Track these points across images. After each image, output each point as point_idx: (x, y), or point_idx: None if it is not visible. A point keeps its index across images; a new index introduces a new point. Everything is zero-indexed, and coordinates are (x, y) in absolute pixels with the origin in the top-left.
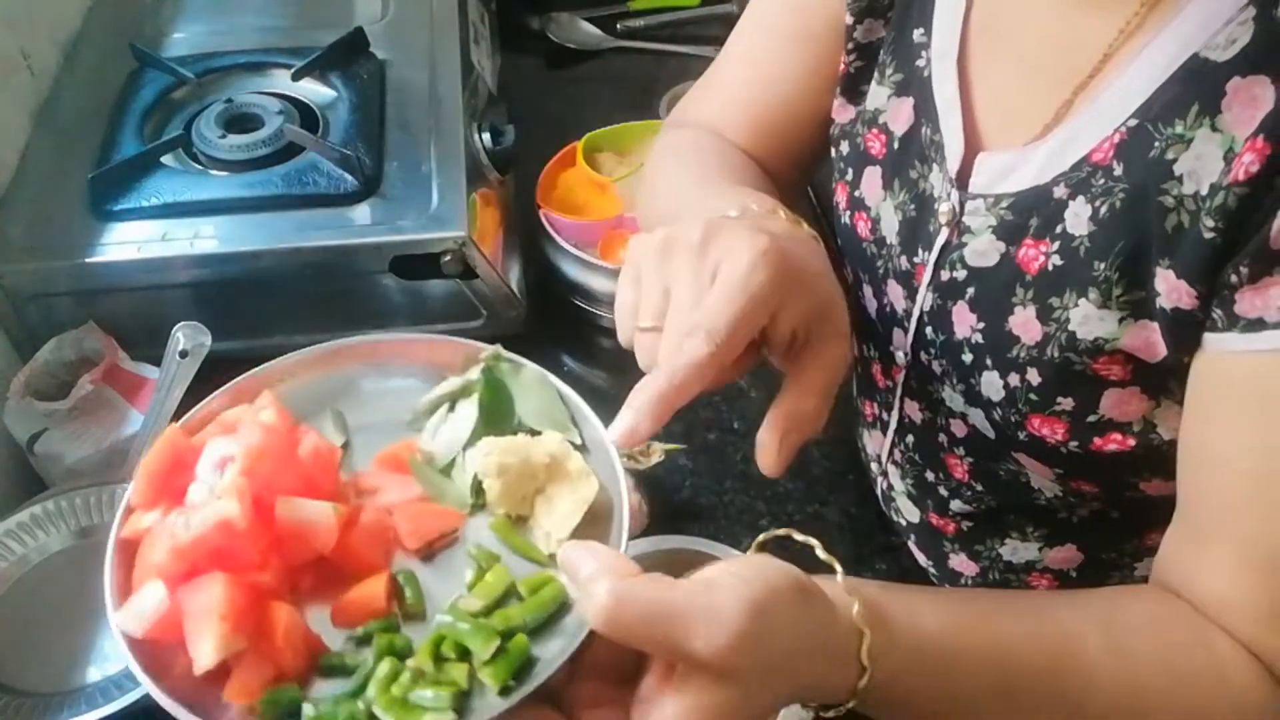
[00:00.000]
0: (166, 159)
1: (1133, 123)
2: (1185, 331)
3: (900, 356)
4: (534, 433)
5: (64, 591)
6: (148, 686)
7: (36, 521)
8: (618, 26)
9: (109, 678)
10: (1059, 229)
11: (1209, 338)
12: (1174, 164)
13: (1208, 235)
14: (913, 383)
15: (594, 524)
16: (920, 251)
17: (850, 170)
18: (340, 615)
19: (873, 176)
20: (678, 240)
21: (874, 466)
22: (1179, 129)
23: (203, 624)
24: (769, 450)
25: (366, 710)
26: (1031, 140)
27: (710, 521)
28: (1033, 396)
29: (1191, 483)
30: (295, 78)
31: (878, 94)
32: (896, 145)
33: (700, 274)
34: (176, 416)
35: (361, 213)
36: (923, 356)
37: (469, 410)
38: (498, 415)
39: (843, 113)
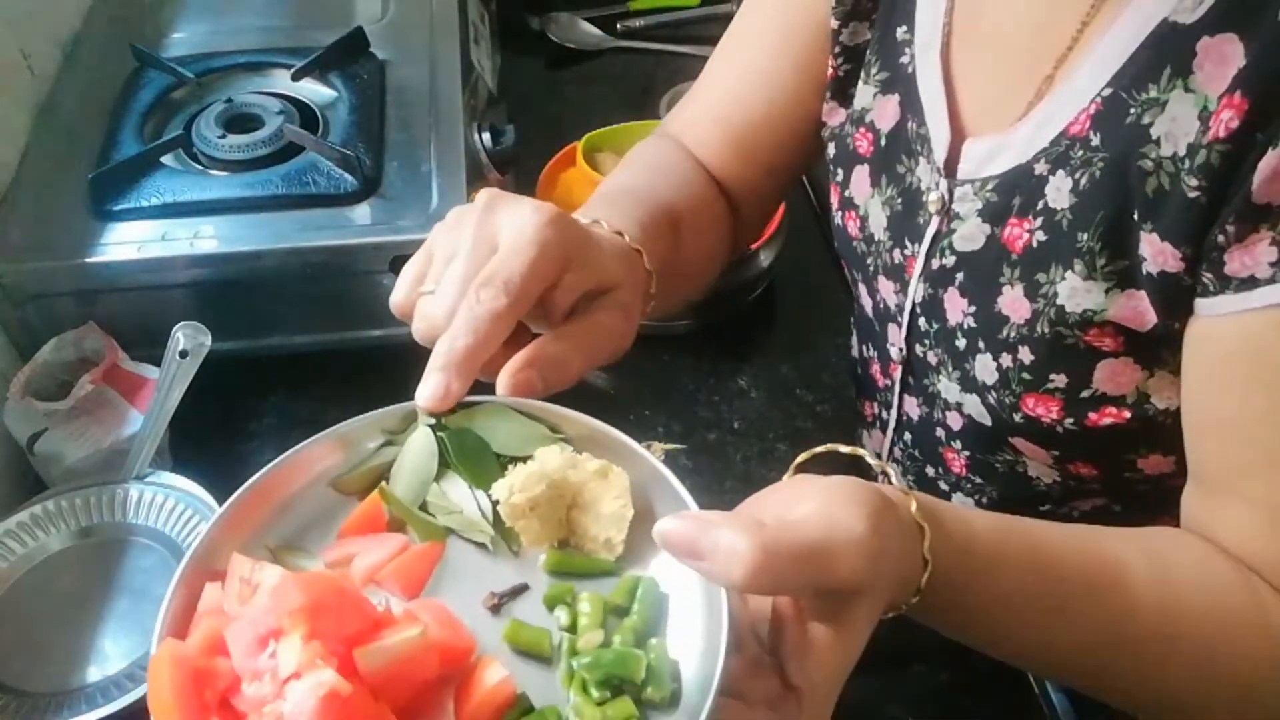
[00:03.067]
0: (166, 159)
1: (1107, 92)
2: (1173, 296)
3: (895, 352)
4: (526, 459)
5: (64, 591)
6: None
7: (36, 521)
8: (618, 26)
9: (109, 678)
10: (1040, 205)
11: (1201, 303)
12: (1150, 128)
13: (1191, 195)
14: (909, 378)
15: (640, 507)
16: (910, 244)
17: (840, 171)
18: None
19: (861, 175)
20: (465, 210)
21: (871, 462)
22: (1152, 93)
23: None
24: (505, 374)
25: None
26: (1016, 120)
27: None
28: (1025, 375)
29: (1199, 448)
30: (295, 78)
31: (864, 94)
32: (884, 142)
33: (485, 235)
34: (177, 417)
35: (361, 213)
36: (917, 349)
37: (422, 442)
38: (479, 464)
39: (833, 116)
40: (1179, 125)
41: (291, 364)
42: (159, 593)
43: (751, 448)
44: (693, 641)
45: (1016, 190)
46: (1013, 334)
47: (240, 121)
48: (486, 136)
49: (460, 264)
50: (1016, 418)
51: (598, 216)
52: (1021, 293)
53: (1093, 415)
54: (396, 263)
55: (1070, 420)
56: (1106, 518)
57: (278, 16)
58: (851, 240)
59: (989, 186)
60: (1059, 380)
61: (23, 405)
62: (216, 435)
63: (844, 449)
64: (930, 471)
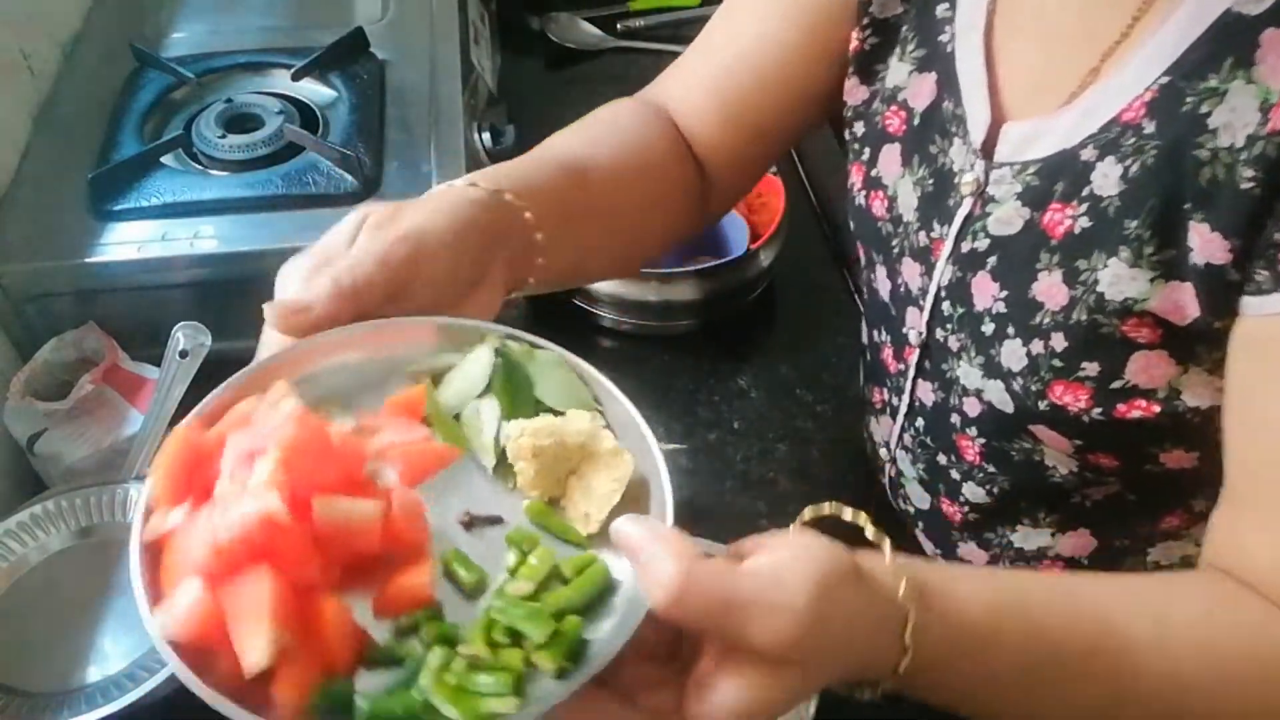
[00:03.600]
0: (166, 159)
1: (1164, 80)
2: (1218, 290)
3: (914, 336)
4: (557, 413)
5: (64, 591)
6: (197, 689)
7: (36, 521)
8: (618, 26)
9: (109, 678)
10: (1086, 191)
11: (1252, 301)
12: (1208, 117)
13: (1245, 186)
14: (925, 363)
15: (630, 503)
16: (939, 226)
17: (867, 150)
18: (383, 605)
19: (891, 154)
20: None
21: (882, 453)
22: (1212, 82)
23: (251, 623)
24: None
25: (423, 700)
26: (1059, 106)
27: (710, 521)
28: (1056, 363)
29: (1243, 455)
30: (295, 78)
31: (898, 71)
32: (917, 121)
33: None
34: (177, 417)
35: None
36: (938, 334)
37: (483, 359)
38: (517, 397)
39: (856, 93)
40: (1238, 116)
41: None
42: None
43: (751, 448)
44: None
45: (1060, 175)
46: (1046, 320)
47: (240, 121)
48: (486, 136)
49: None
50: (1042, 405)
51: (479, 178)
52: (1060, 279)
53: (1121, 406)
54: None
55: (1098, 410)
56: (1118, 506)
57: (278, 16)
58: (876, 221)
59: (1029, 170)
60: (1091, 369)
61: (23, 405)
62: None
63: (847, 515)
64: (942, 459)
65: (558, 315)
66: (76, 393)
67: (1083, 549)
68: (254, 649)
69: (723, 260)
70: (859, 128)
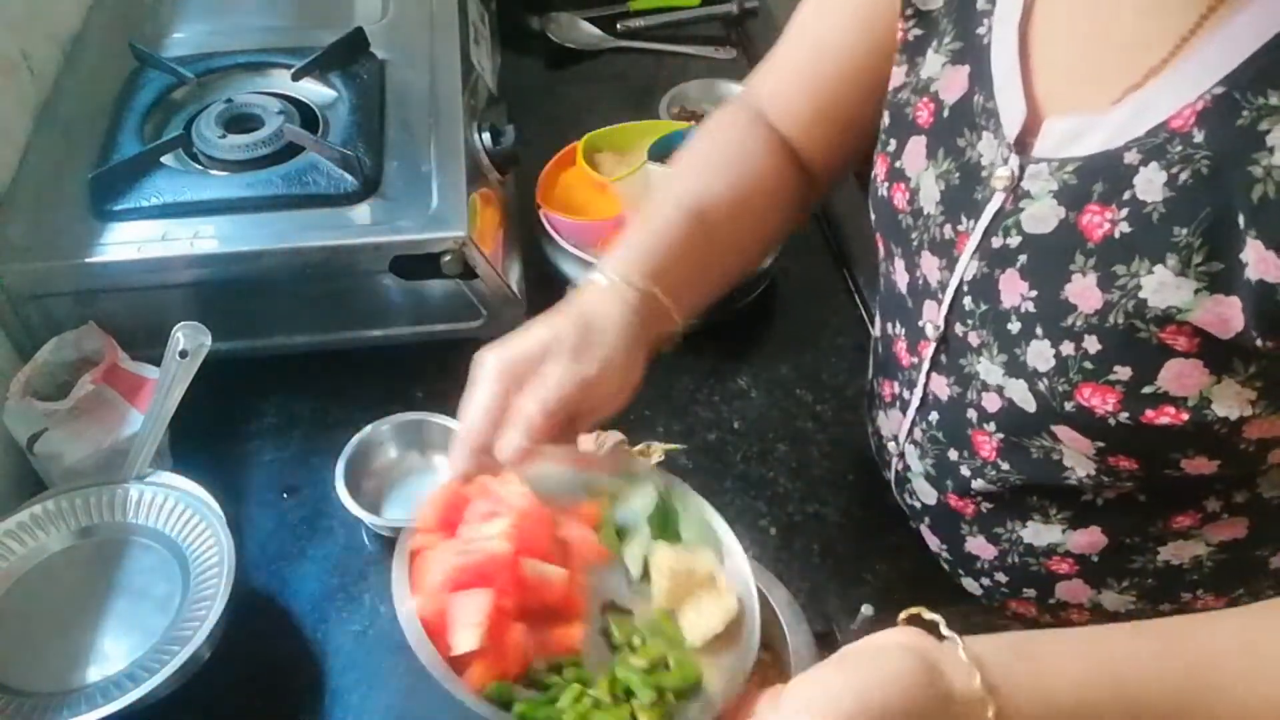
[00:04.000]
0: (166, 159)
1: (1218, 90)
2: (1269, 307)
3: (931, 330)
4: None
5: (64, 591)
6: (424, 655)
7: (36, 521)
8: (618, 26)
9: (109, 678)
10: (1127, 195)
11: None
12: (1266, 135)
13: None
14: (942, 357)
15: (730, 629)
16: (964, 220)
17: (893, 141)
18: (546, 644)
19: (916, 146)
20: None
21: (890, 447)
22: (1273, 100)
23: (467, 621)
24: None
25: (557, 718)
26: (1104, 106)
27: None
28: (1087, 365)
29: None
30: (295, 78)
31: (933, 62)
32: (946, 114)
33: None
34: (177, 417)
35: (361, 213)
36: (957, 328)
37: (647, 493)
38: (665, 529)
39: (896, 81)
40: None
41: (291, 364)
42: (159, 593)
43: (751, 448)
44: None
45: (1100, 176)
46: (1079, 322)
47: (240, 121)
48: (486, 136)
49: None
50: (1068, 406)
51: (620, 273)
52: (1094, 282)
53: (1150, 412)
54: (396, 263)
55: (1125, 414)
56: (1130, 505)
57: (278, 16)
58: (897, 214)
59: (1068, 168)
60: (1122, 373)
61: (23, 405)
62: (216, 435)
63: (926, 615)
64: (953, 455)
65: None
66: (76, 393)
67: (1093, 546)
68: (464, 639)
69: None
70: (887, 118)
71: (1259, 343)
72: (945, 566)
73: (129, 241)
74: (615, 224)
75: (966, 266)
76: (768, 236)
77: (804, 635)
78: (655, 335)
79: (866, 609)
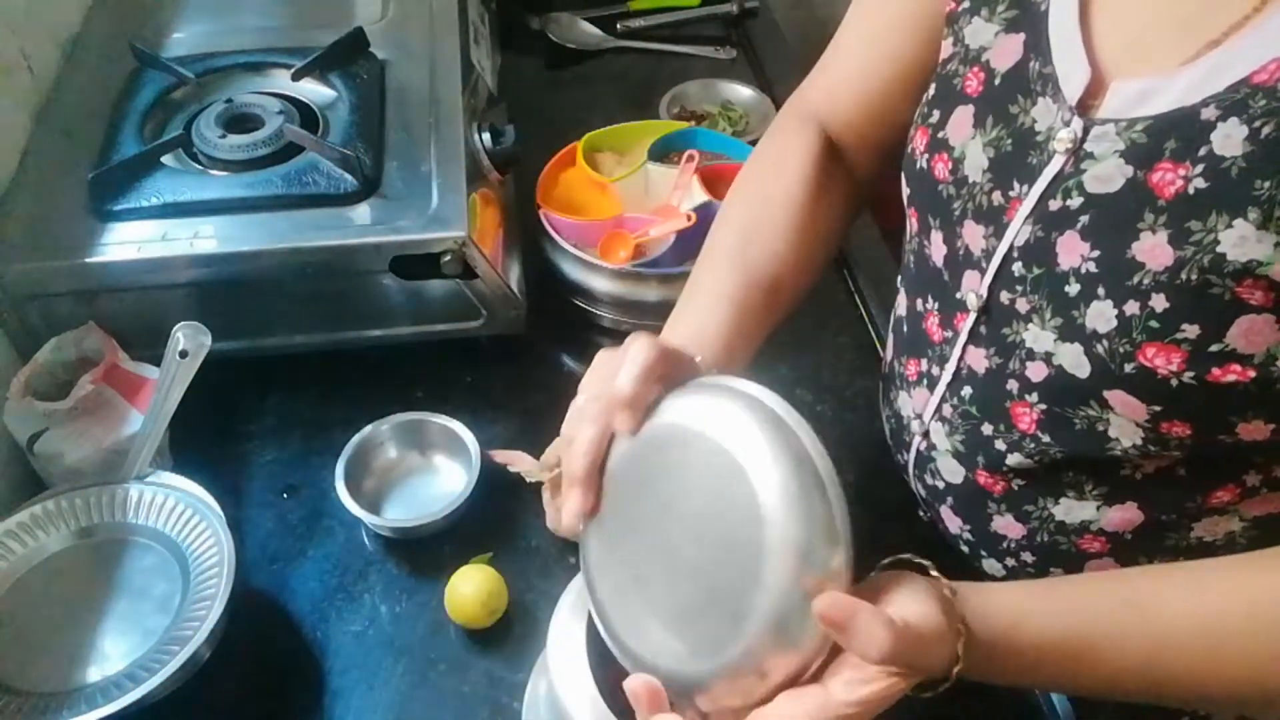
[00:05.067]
0: (166, 159)
1: None
2: None
3: (973, 300)
4: None
5: (64, 591)
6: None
7: (36, 521)
8: (618, 26)
9: (109, 678)
10: (1202, 151)
11: None
12: None
13: None
14: (982, 329)
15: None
16: (1017, 185)
17: (936, 112)
18: None
19: (963, 115)
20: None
21: (914, 426)
22: None
23: None
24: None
25: None
26: (1172, 67)
27: None
28: (1153, 324)
29: None
30: (295, 78)
31: (983, 31)
32: (998, 82)
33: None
34: (177, 417)
35: (361, 213)
36: (1003, 297)
37: None
38: None
39: (945, 54)
40: None
41: (291, 364)
42: (159, 592)
43: None
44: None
45: (1172, 134)
46: (1147, 280)
47: (240, 121)
48: (486, 136)
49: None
50: (1128, 368)
51: (683, 340)
52: (1165, 239)
53: (1216, 370)
54: (396, 263)
55: (1190, 374)
56: (1169, 479)
57: (278, 16)
58: (937, 184)
59: (1137, 127)
60: (1190, 331)
61: (23, 405)
62: (216, 435)
63: (916, 560)
64: (987, 429)
65: (558, 315)
66: (76, 393)
67: (1128, 524)
68: None
69: None
70: (933, 90)
71: None
72: (965, 549)
73: (129, 241)
74: (615, 224)
75: (1018, 232)
76: (825, 264)
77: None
78: None
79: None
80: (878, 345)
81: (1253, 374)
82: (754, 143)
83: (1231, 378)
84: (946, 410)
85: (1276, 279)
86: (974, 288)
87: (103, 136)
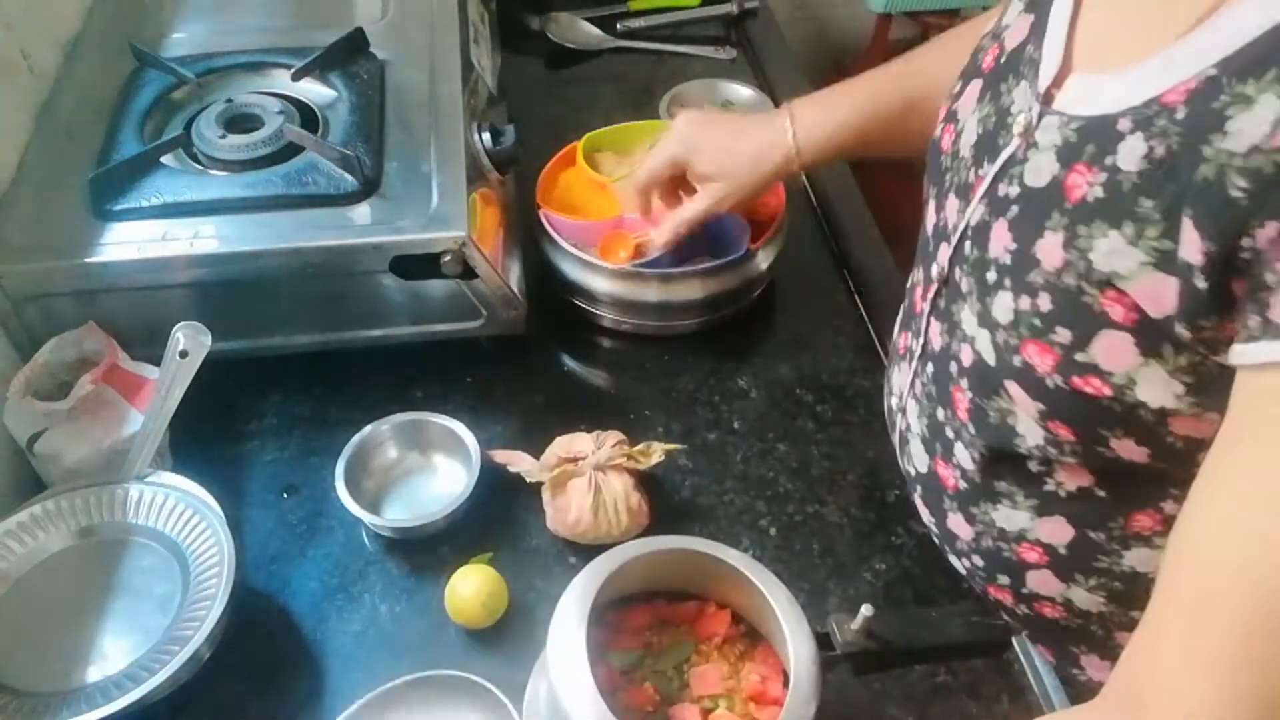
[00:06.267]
0: (166, 159)
1: (1212, 72)
2: (1188, 292)
3: (936, 272)
4: None
5: (64, 591)
6: None
7: (36, 521)
8: (618, 26)
9: (109, 678)
10: (1109, 160)
11: (1241, 350)
12: (1229, 120)
13: (1234, 194)
14: (940, 301)
15: None
16: (985, 164)
17: (959, 83)
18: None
19: (973, 89)
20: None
21: (893, 403)
22: (1249, 88)
23: None
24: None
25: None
26: (1123, 69)
27: (710, 521)
28: (1035, 321)
29: (1182, 555)
30: (295, 78)
31: (1013, 8)
32: (1004, 60)
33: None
34: (176, 417)
35: (361, 213)
36: (956, 274)
37: None
38: None
39: (985, 27)
40: (1252, 125)
41: (291, 364)
42: (159, 592)
43: (751, 448)
44: None
45: (1093, 138)
46: (1039, 279)
47: (240, 121)
48: (486, 136)
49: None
50: (1015, 361)
51: (796, 111)
52: (1060, 241)
53: (1077, 379)
54: (396, 263)
55: (1059, 377)
56: (1090, 499)
57: (278, 16)
58: (941, 155)
59: (1072, 125)
60: (1063, 335)
61: (23, 405)
62: (216, 435)
63: None
64: (940, 414)
65: (558, 315)
66: (76, 393)
67: (1060, 537)
68: None
69: (723, 260)
70: (967, 63)
71: (1180, 331)
72: (935, 542)
73: (129, 241)
74: (615, 224)
75: (974, 210)
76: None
77: (804, 635)
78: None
79: (866, 609)
80: (878, 345)
81: (1109, 391)
82: None
83: (1090, 390)
84: (918, 388)
85: (1135, 298)
86: (941, 260)
87: (103, 136)
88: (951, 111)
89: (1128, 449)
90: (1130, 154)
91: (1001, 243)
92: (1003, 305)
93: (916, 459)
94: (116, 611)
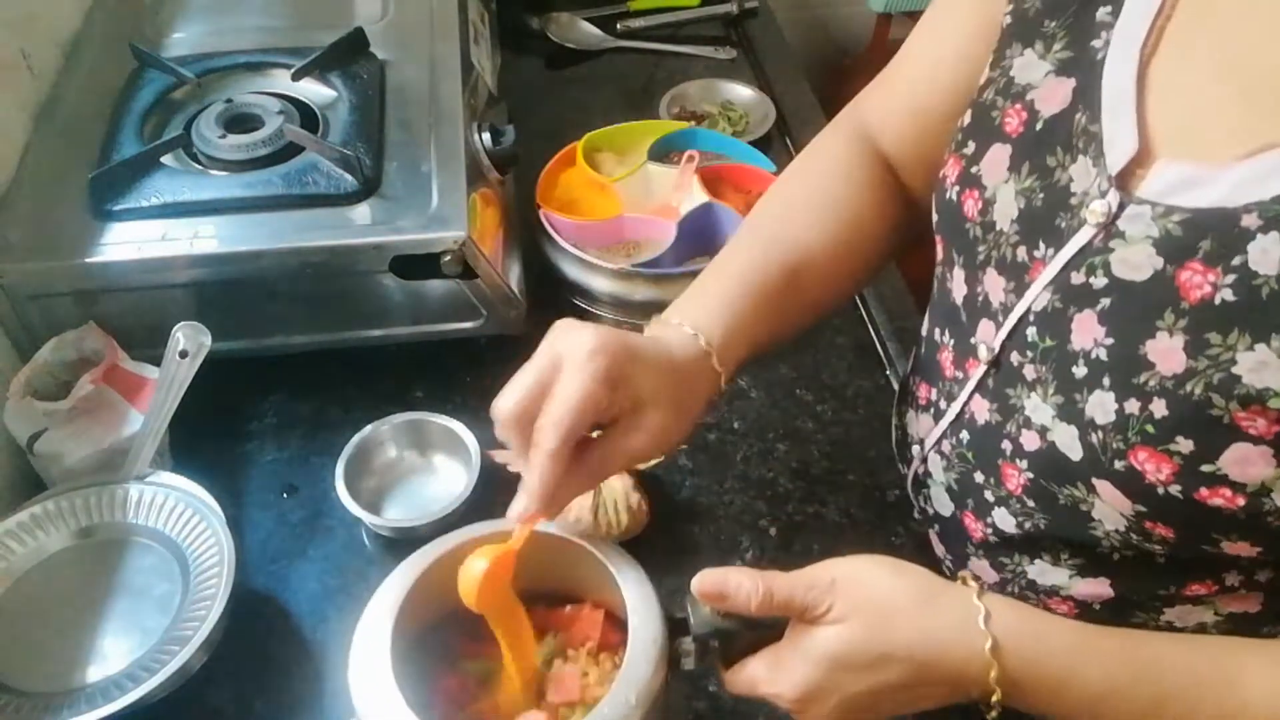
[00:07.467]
0: (166, 159)
1: None
2: None
3: (984, 351)
4: None
5: (64, 591)
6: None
7: (36, 521)
8: (618, 26)
9: (109, 678)
10: (1237, 261)
11: None
12: None
13: None
14: (989, 381)
15: None
16: (1043, 246)
17: (972, 143)
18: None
19: (999, 155)
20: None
21: (915, 450)
22: None
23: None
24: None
25: None
26: (1227, 158)
27: (710, 521)
28: (1149, 428)
29: None
30: (295, 78)
31: (1034, 67)
32: (1040, 127)
33: (547, 364)
34: (176, 417)
35: (361, 213)
36: (1014, 357)
37: None
38: None
39: (983, 79)
40: None
41: (291, 364)
42: (159, 592)
43: (751, 448)
44: None
45: (1209, 233)
46: (1153, 382)
47: (240, 121)
48: (486, 136)
49: (515, 394)
50: (1118, 464)
51: (683, 316)
52: (1181, 345)
53: (1204, 490)
54: (396, 263)
55: (1178, 487)
56: (1147, 564)
57: (278, 16)
58: (965, 221)
59: (1174, 217)
60: (1184, 445)
61: (23, 405)
62: (216, 435)
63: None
64: (979, 478)
65: (558, 315)
66: (76, 393)
67: (1097, 597)
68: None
69: None
70: (969, 117)
71: None
72: (945, 573)
73: (129, 241)
74: (615, 224)
75: (1037, 296)
76: (861, 281)
77: (638, 580)
78: (701, 394)
79: None
80: (878, 346)
81: (1242, 501)
82: (754, 143)
83: (1219, 502)
84: (945, 447)
85: None
86: (988, 339)
87: (103, 136)
88: (972, 174)
89: (1237, 548)
90: (1265, 255)
91: (1091, 335)
92: (1101, 405)
93: (938, 504)
94: (116, 611)
